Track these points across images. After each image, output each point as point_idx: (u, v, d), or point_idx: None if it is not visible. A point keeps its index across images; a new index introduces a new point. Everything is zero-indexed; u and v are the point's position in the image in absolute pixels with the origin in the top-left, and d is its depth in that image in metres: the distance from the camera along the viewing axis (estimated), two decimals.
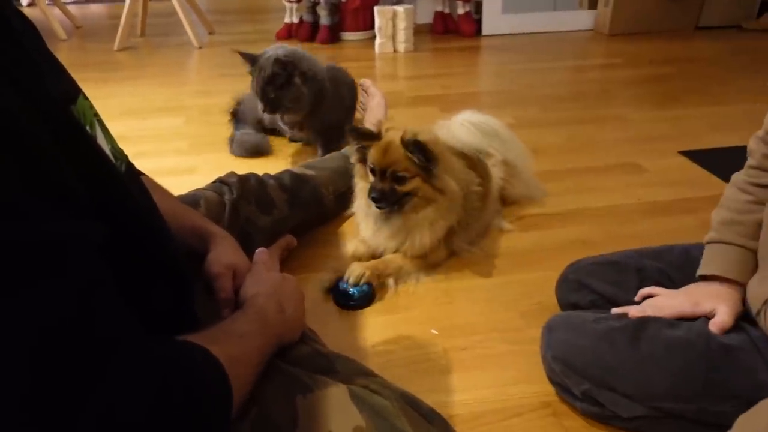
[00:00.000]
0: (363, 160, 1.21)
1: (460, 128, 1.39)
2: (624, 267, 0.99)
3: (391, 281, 1.20)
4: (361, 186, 1.24)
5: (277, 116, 1.69)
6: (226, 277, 0.83)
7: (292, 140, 1.90)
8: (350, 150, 1.23)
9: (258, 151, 1.82)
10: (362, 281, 1.16)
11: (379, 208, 1.17)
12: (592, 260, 1.04)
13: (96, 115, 0.60)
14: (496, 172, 1.42)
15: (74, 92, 0.57)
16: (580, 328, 0.88)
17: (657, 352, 0.80)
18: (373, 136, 1.17)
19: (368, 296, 1.16)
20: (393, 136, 1.15)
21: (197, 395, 0.51)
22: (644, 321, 0.85)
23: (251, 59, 1.60)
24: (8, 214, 0.38)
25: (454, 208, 1.20)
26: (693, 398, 0.77)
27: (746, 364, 0.77)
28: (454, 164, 1.21)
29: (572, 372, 0.85)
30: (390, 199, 1.15)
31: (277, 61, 1.55)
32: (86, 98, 0.59)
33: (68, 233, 0.43)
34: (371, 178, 1.18)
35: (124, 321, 0.47)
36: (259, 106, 1.61)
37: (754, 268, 0.86)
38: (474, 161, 1.32)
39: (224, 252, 0.88)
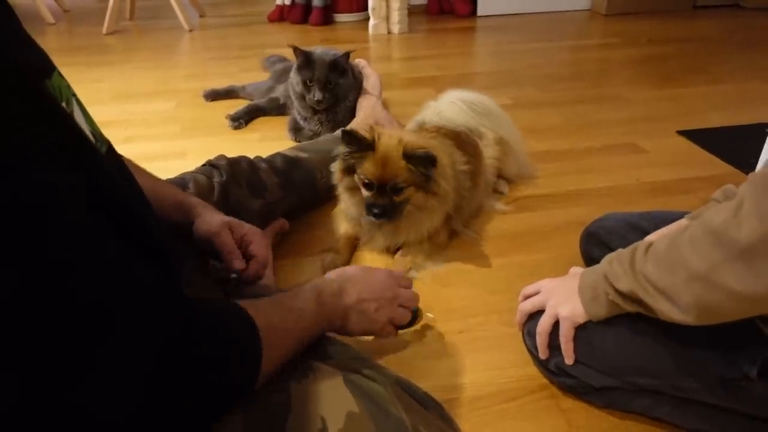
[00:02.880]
0: (349, 170, 1.15)
1: (450, 107, 1.36)
2: (644, 233, 0.95)
3: (413, 273, 1.18)
4: (355, 200, 1.18)
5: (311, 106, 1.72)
6: (225, 233, 0.85)
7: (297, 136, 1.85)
8: (339, 153, 1.16)
9: None
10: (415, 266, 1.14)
11: (377, 218, 1.12)
12: (620, 217, 1.04)
13: (74, 95, 0.57)
14: (489, 152, 1.39)
15: (48, 67, 0.54)
16: None
17: (622, 331, 0.79)
18: (368, 146, 1.10)
19: None
20: (387, 145, 1.10)
21: (221, 347, 0.52)
22: None
23: (304, 54, 1.68)
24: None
25: (447, 202, 1.17)
26: (661, 374, 0.77)
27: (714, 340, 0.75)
28: (444, 159, 1.16)
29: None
30: (391, 213, 1.12)
31: (335, 57, 1.69)
32: (62, 77, 0.56)
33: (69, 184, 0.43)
34: (365, 192, 1.13)
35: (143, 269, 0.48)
36: (317, 95, 1.66)
37: None
38: (463, 140, 1.29)
39: (211, 216, 0.90)
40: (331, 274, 0.82)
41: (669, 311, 0.68)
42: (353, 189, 1.17)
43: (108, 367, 0.43)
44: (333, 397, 0.60)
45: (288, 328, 0.64)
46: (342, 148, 1.14)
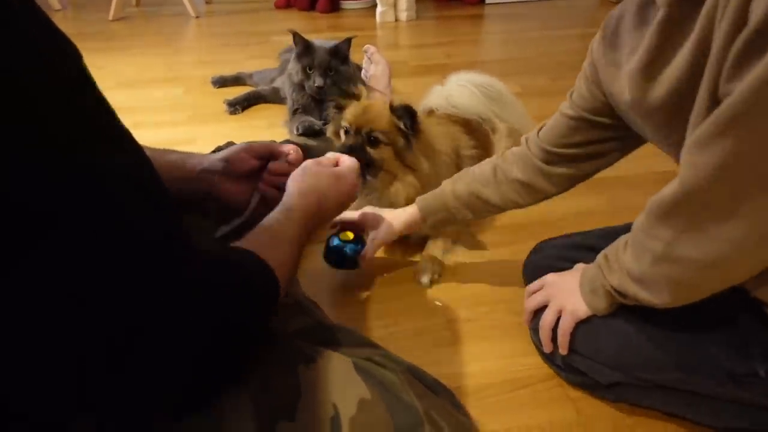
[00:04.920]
0: (339, 131, 1.15)
1: (459, 90, 1.34)
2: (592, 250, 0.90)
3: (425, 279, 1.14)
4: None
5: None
6: (243, 155, 0.89)
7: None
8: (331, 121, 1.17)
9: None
10: (436, 277, 1.12)
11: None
12: (557, 242, 1.01)
13: None
14: (502, 145, 1.37)
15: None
16: None
17: (626, 325, 0.78)
18: (353, 96, 1.12)
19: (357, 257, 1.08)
20: (374, 100, 1.11)
21: (249, 297, 0.56)
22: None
23: (304, 41, 1.63)
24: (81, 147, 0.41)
25: (423, 181, 1.14)
26: (668, 369, 0.76)
27: (721, 334, 0.74)
28: (436, 144, 1.15)
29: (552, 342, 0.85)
30: (360, 156, 1.02)
31: (337, 43, 1.65)
32: None
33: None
34: (343, 138, 1.13)
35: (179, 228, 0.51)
36: (317, 80, 1.61)
37: None
38: (473, 126, 1.28)
39: (214, 155, 0.92)
40: (307, 187, 0.80)
41: (648, 297, 0.68)
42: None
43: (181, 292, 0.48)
44: (344, 384, 0.60)
45: (290, 259, 0.68)
46: (331, 110, 1.15)
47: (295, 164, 0.91)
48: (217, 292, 0.52)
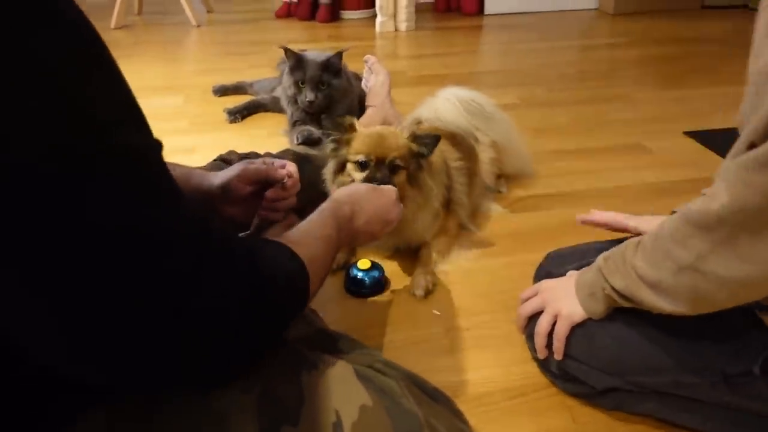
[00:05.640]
0: (340, 167, 1.14)
1: (444, 103, 1.36)
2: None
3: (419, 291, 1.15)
4: (343, 180, 1.14)
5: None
6: (247, 165, 0.92)
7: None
8: (328, 145, 1.16)
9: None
10: (431, 288, 1.12)
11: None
12: (566, 252, 1.02)
13: None
14: (486, 156, 1.39)
15: None
16: None
17: (622, 327, 0.79)
18: (352, 128, 1.11)
19: (380, 283, 1.13)
20: (377, 127, 1.11)
21: (284, 289, 0.58)
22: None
23: (296, 55, 1.63)
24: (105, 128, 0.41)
25: (431, 199, 1.17)
26: (664, 371, 0.77)
27: (717, 335, 0.75)
28: (434, 158, 1.17)
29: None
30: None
31: (328, 57, 1.64)
32: None
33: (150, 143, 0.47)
34: (359, 174, 1.10)
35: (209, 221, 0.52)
36: (309, 95, 1.60)
37: None
38: (458, 139, 1.30)
39: (228, 168, 0.95)
40: (342, 195, 0.86)
41: (661, 304, 0.68)
42: (341, 172, 1.15)
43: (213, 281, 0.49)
44: (346, 391, 0.61)
45: (323, 257, 0.70)
46: (328, 145, 1.14)
47: (291, 190, 0.94)
48: (253, 278, 0.53)
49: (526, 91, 2.17)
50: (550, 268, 0.99)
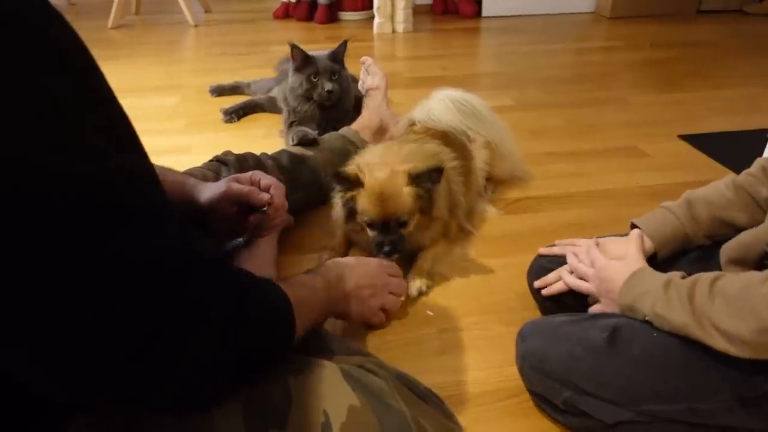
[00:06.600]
0: (350, 214, 1.13)
1: (438, 104, 1.37)
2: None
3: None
4: (364, 239, 1.15)
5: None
6: (233, 184, 0.93)
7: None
8: (336, 194, 1.16)
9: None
10: (424, 289, 1.12)
11: (389, 256, 1.08)
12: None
13: None
14: (479, 156, 1.39)
15: None
16: (554, 334, 0.84)
17: (635, 354, 0.77)
18: (357, 182, 1.08)
19: None
20: (378, 180, 1.06)
21: (267, 319, 0.59)
22: (618, 325, 0.80)
23: (303, 53, 1.64)
24: (90, 155, 0.42)
25: (442, 215, 1.18)
26: (679, 397, 0.74)
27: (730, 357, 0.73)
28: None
29: (551, 380, 0.81)
30: (401, 247, 1.10)
31: (334, 49, 1.68)
32: None
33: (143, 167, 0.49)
34: (370, 232, 1.11)
35: (196, 249, 0.52)
36: (327, 85, 1.62)
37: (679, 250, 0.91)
38: (450, 138, 1.31)
39: (212, 184, 0.95)
40: (330, 263, 0.89)
41: (725, 348, 0.68)
42: (360, 232, 1.15)
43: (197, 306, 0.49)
44: (333, 392, 0.61)
45: (309, 301, 0.71)
46: (337, 192, 1.14)
47: (274, 216, 0.96)
48: (240, 318, 0.53)
49: (522, 93, 2.18)
50: (544, 263, 1.00)
